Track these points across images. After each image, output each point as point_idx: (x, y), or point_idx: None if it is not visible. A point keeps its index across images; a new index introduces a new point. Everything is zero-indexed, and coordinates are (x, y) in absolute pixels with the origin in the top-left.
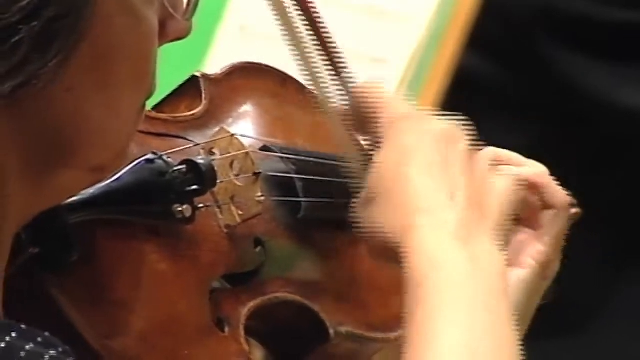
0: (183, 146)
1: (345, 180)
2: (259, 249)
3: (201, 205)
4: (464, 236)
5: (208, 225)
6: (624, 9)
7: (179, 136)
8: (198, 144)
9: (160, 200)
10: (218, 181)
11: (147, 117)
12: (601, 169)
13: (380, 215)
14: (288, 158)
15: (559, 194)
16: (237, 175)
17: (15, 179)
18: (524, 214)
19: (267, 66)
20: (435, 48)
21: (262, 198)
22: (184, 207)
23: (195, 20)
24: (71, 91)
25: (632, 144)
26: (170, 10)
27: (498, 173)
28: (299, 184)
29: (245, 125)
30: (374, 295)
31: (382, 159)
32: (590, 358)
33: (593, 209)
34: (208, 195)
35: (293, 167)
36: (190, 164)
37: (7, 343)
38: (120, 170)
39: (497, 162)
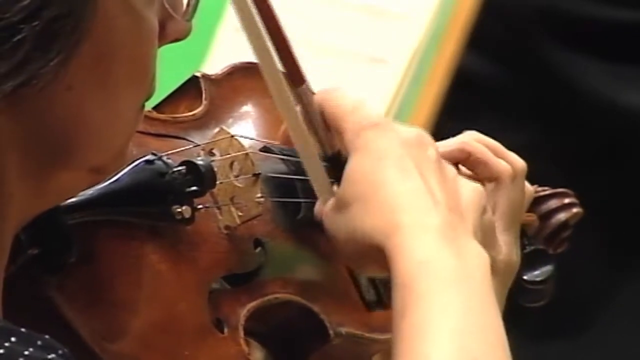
0: (183, 147)
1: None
2: (258, 249)
3: (201, 206)
4: (450, 236)
5: (208, 226)
6: (624, 8)
7: (178, 137)
8: (198, 145)
9: (159, 201)
10: (218, 182)
11: (147, 117)
12: (601, 169)
13: (359, 220)
14: (288, 159)
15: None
16: (236, 176)
17: (15, 179)
18: None
19: None
20: (435, 48)
21: (262, 199)
22: (184, 208)
23: (195, 20)
24: (71, 91)
25: (631, 145)
26: (170, 11)
27: (465, 181)
28: (298, 185)
29: (246, 126)
30: None
31: (354, 166)
32: (590, 358)
33: (593, 208)
34: (208, 196)
35: (293, 168)
36: (189, 165)
37: (7, 348)
38: (120, 171)
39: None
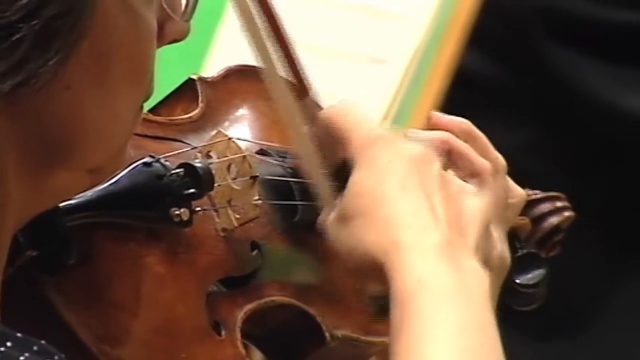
0: (180, 149)
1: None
2: (255, 252)
3: (198, 209)
4: (449, 254)
5: (205, 228)
6: (625, 9)
7: (176, 139)
8: (195, 147)
9: (157, 204)
10: (215, 184)
11: (144, 119)
12: (599, 169)
13: (360, 234)
14: (285, 161)
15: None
16: (234, 179)
17: (13, 179)
18: None
19: None
20: (435, 48)
21: (259, 202)
22: (182, 210)
23: (195, 21)
24: (70, 90)
25: (629, 146)
26: (169, 11)
27: (469, 193)
28: (295, 188)
29: (242, 128)
30: None
31: (358, 179)
32: (589, 358)
33: (591, 209)
34: (205, 199)
35: (290, 170)
36: (187, 167)
37: (2, 353)
38: (118, 174)
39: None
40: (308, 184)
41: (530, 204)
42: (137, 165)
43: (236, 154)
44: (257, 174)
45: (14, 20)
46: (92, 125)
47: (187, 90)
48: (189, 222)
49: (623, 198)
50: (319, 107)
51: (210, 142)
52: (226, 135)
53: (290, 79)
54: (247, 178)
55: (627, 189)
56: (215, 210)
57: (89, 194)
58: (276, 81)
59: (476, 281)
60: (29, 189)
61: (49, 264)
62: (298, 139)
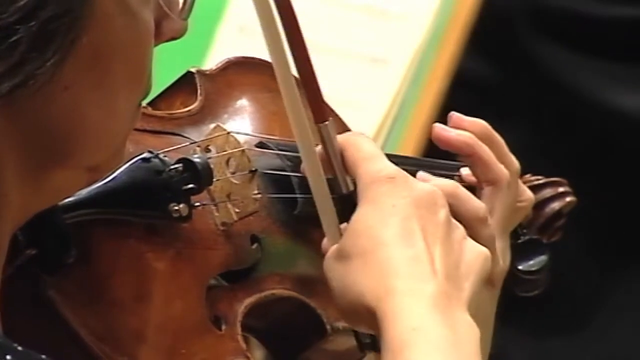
0: (179, 143)
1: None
2: (255, 245)
3: (198, 204)
4: (443, 306)
5: (204, 223)
6: (614, 4)
7: (174, 133)
8: (194, 142)
9: (156, 199)
10: (214, 179)
11: (143, 114)
12: (593, 167)
13: (354, 276)
14: (284, 154)
15: (470, 206)
16: (233, 173)
17: (12, 178)
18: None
19: (262, 60)
20: (435, 48)
21: (259, 195)
22: (181, 205)
23: (195, 20)
24: (68, 90)
25: (622, 143)
26: (166, 9)
27: (473, 244)
28: (295, 180)
29: (241, 121)
30: None
31: (360, 217)
32: (588, 350)
33: (584, 206)
34: (204, 194)
35: (289, 163)
36: (186, 162)
37: None
38: (117, 170)
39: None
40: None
41: (532, 189)
42: (135, 161)
43: (235, 148)
44: (256, 168)
45: (11, 22)
46: (91, 124)
47: (186, 83)
48: (188, 217)
49: (616, 194)
50: (335, 130)
51: (209, 137)
52: (225, 130)
53: (309, 103)
54: (246, 172)
55: (620, 186)
56: (215, 205)
57: (88, 191)
58: (294, 103)
59: (469, 336)
60: (27, 188)
61: (49, 263)
62: (308, 160)
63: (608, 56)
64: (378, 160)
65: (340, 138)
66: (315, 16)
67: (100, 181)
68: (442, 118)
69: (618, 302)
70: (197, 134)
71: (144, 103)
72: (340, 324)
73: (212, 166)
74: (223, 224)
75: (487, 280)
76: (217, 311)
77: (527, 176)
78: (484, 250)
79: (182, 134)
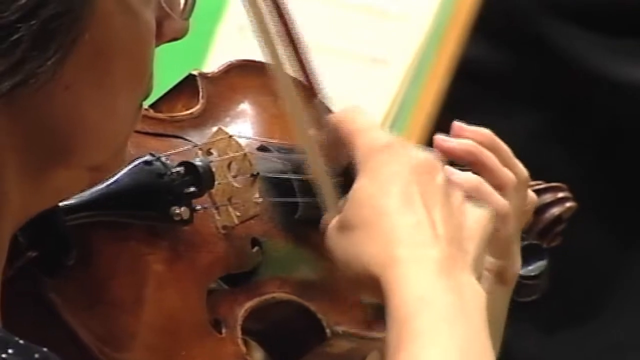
0: (181, 146)
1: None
2: (256, 249)
3: (199, 207)
4: (447, 271)
5: (206, 226)
6: None
7: (176, 136)
8: (196, 145)
9: (158, 202)
10: (216, 182)
11: (145, 116)
12: (606, 153)
13: (358, 246)
14: (285, 158)
15: (492, 201)
16: (234, 177)
17: (13, 178)
18: None
19: (263, 63)
20: (435, 48)
21: (260, 199)
22: (182, 209)
23: (195, 20)
24: (69, 89)
25: (632, 120)
26: (167, 9)
27: (472, 206)
28: (296, 184)
29: (243, 124)
30: None
31: (360, 187)
32: (588, 350)
33: (594, 196)
34: (206, 197)
35: (291, 167)
36: (188, 165)
37: None
38: (118, 172)
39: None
40: (309, 181)
41: None
42: (137, 164)
43: (237, 152)
44: (258, 172)
45: (12, 20)
46: (92, 124)
47: (188, 86)
48: (189, 221)
49: (628, 183)
50: (328, 109)
51: (211, 140)
52: (227, 133)
53: (299, 79)
54: (248, 176)
55: (632, 174)
56: (216, 208)
57: (89, 193)
58: (284, 80)
59: (475, 300)
60: (28, 188)
61: (49, 265)
62: (304, 140)
63: (615, 31)
64: (373, 130)
65: (333, 113)
66: (315, 16)
67: (102, 183)
68: (442, 117)
69: (621, 296)
70: (199, 137)
71: (146, 105)
72: (341, 328)
73: (213, 169)
74: (224, 227)
75: (499, 278)
76: (218, 314)
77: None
78: (484, 212)
79: (184, 136)
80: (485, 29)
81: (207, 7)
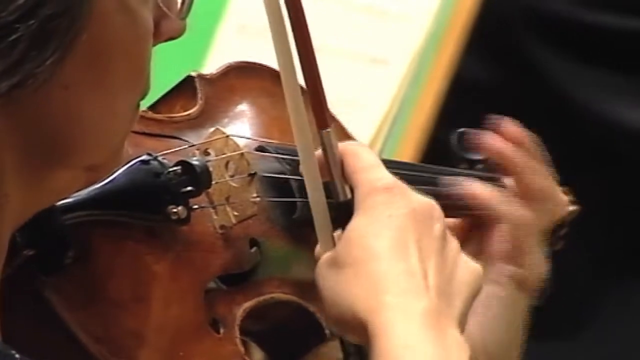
0: (178, 147)
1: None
2: (254, 249)
3: (196, 207)
4: (434, 323)
5: (203, 226)
6: (611, 14)
7: (174, 136)
8: (193, 145)
9: (155, 202)
10: (213, 182)
11: (143, 117)
12: (589, 175)
13: (347, 286)
14: (283, 158)
15: (514, 213)
16: (232, 176)
17: (11, 179)
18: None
19: (262, 65)
20: (435, 48)
21: (258, 199)
22: (179, 208)
23: (195, 20)
24: (67, 90)
25: (618, 154)
26: (165, 9)
27: (466, 260)
28: (294, 184)
29: (241, 125)
30: None
31: (355, 226)
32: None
33: (583, 214)
34: (203, 196)
35: (288, 167)
36: (185, 165)
37: None
38: (115, 172)
39: None
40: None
41: None
42: (134, 163)
43: (234, 152)
44: (255, 172)
45: (10, 20)
46: (90, 124)
47: (186, 87)
48: (186, 220)
49: (612, 203)
50: (336, 138)
51: (208, 140)
52: (224, 133)
53: (312, 109)
54: (245, 175)
55: (619, 194)
56: (214, 208)
57: (86, 192)
58: (297, 107)
59: (459, 353)
60: (27, 188)
61: (47, 264)
62: (307, 164)
63: (606, 65)
64: (377, 169)
65: (341, 146)
66: (316, 16)
67: (99, 183)
68: (442, 118)
69: (617, 307)
70: (196, 138)
71: (144, 107)
72: None
73: (211, 169)
74: (222, 227)
75: (520, 285)
76: (216, 314)
77: None
78: (477, 267)
79: (182, 137)
80: (476, 45)
81: (206, 7)
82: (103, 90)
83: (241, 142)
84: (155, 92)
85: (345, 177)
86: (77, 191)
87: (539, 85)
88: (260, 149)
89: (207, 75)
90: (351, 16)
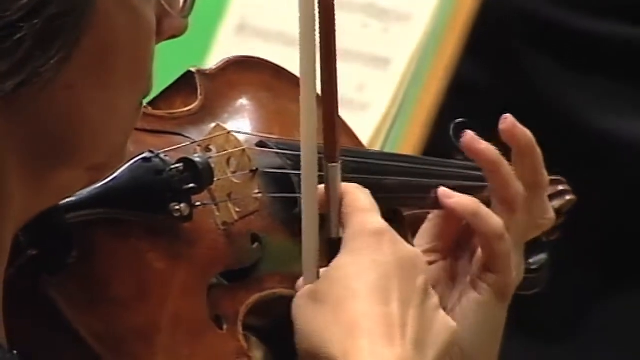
0: (180, 143)
1: (343, 175)
2: (256, 245)
3: (198, 203)
4: None
5: (205, 222)
6: (606, 21)
7: (175, 132)
8: (195, 142)
9: (157, 199)
10: (215, 179)
11: (144, 113)
12: (583, 177)
13: (323, 323)
14: (284, 153)
15: (488, 226)
16: (233, 173)
17: (14, 178)
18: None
19: (261, 59)
20: (435, 48)
21: (259, 195)
22: (181, 205)
23: (196, 19)
24: (71, 89)
25: (611, 163)
26: (167, 7)
27: (444, 316)
28: (295, 180)
29: (242, 120)
30: None
31: (339, 265)
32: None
33: (572, 222)
34: (205, 193)
35: (289, 162)
36: (187, 162)
37: None
38: (117, 170)
39: None
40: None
41: None
42: (136, 161)
43: (235, 148)
44: (257, 167)
45: (15, 19)
46: (94, 123)
47: (186, 83)
48: (189, 217)
49: (606, 208)
50: (340, 176)
51: (209, 136)
52: (225, 129)
53: (324, 139)
54: (247, 171)
55: (610, 204)
56: (216, 204)
57: (89, 191)
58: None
59: None
60: (30, 188)
61: (50, 263)
62: (307, 194)
63: (600, 72)
64: (371, 214)
65: (343, 187)
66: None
67: (101, 181)
68: (442, 118)
69: (613, 313)
70: (197, 134)
71: (145, 103)
72: None
73: (212, 165)
74: (224, 223)
75: (499, 293)
76: (218, 310)
77: None
78: (453, 324)
79: (183, 133)
80: (472, 48)
81: (207, 7)
82: (106, 89)
83: (242, 138)
84: (156, 92)
85: (340, 215)
86: (80, 190)
87: (528, 91)
88: (261, 144)
89: (206, 70)
90: (351, 16)
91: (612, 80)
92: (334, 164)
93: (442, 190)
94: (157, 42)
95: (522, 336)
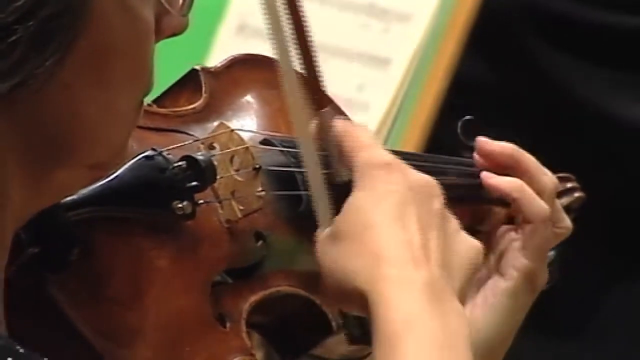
0: (183, 141)
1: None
2: (260, 243)
3: (202, 201)
4: (435, 296)
5: (209, 220)
6: (611, 12)
7: (179, 130)
8: (198, 139)
9: (160, 197)
10: (218, 177)
11: (147, 111)
12: (591, 172)
13: (346, 259)
14: (288, 151)
15: (535, 208)
16: (237, 170)
17: (14, 178)
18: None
19: (266, 57)
20: (435, 48)
21: (263, 192)
22: (184, 203)
23: (197, 19)
24: (69, 89)
25: (620, 152)
26: (166, 5)
27: (466, 236)
28: (299, 177)
29: (246, 118)
30: None
31: (353, 200)
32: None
33: (585, 211)
34: (208, 191)
35: (293, 159)
36: (190, 160)
37: None
38: (120, 168)
39: None
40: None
41: None
42: (139, 159)
43: (239, 146)
44: (260, 165)
45: (9, 21)
46: (93, 122)
47: (191, 81)
48: (192, 215)
49: (614, 200)
50: (333, 119)
51: (212, 134)
52: (228, 127)
53: (308, 89)
54: (250, 169)
55: (620, 196)
56: (219, 202)
57: (91, 189)
58: (292, 88)
59: (459, 326)
60: (30, 188)
61: (52, 261)
62: (305, 149)
63: (607, 63)
64: (374, 148)
65: (338, 127)
66: (316, 16)
67: (104, 179)
68: (442, 118)
69: (618, 309)
70: (201, 132)
71: (149, 101)
72: None
73: (215, 163)
74: (227, 221)
75: (529, 281)
76: (222, 308)
77: None
78: (477, 243)
79: (186, 131)
80: (475, 44)
81: (208, 6)
82: (104, 88)
83: (246, 136)
84: (157, 91)
85: (343, 158)
86: (82, 188)
87: (540, 84)
88: (265, 142)
89: (211, 68)
90: (352, 16)
91: (623, 71)
92: (322, 111)
93: (485, 173)
94: (157, 40)
95: (534, 332)
